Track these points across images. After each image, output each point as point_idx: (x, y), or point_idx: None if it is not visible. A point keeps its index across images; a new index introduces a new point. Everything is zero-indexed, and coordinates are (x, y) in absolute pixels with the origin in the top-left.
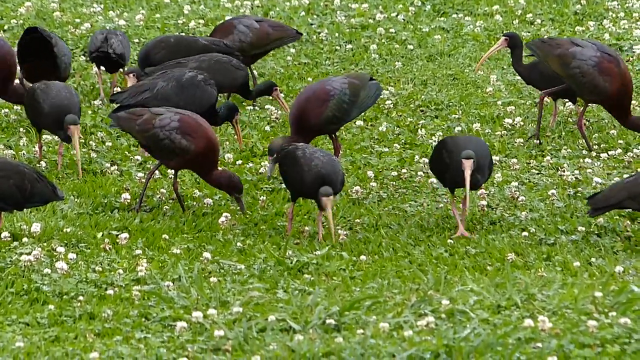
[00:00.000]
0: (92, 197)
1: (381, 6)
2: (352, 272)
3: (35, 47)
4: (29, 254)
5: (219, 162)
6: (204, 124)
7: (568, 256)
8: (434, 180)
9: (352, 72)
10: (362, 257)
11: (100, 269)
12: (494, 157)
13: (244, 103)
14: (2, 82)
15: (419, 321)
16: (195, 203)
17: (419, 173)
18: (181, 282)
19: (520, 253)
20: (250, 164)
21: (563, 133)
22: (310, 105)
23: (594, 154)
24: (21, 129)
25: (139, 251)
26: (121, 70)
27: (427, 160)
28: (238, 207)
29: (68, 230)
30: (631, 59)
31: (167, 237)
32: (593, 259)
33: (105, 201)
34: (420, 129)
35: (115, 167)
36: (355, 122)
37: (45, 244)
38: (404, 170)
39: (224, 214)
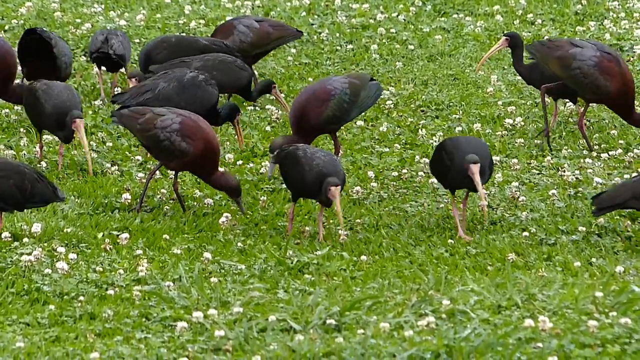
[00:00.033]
0: (93, 197)
1: (382, 6)
2: (352, 272)
3: (35, 48)
4: (29, 254)
5: (219, 164)
6: (205, 127)
7: (569, 256)
8: (434, 180)
9: (352, 72)
10: (363, 257)
11: (101, 269)
12: (494, 157)
13: (244, 103)
14: (2, 82)
15: (420, 321)
16: (195, 203)
17: (420, 173)
18: (182, 282)
19: (521, 253)
20: (251, 164)
21: (564, 133)
22: (311, 105)
23: (594, 154)
24: (22, 129)
25: (139, 251)
26: (122, 70)
27: (427, 160)
28: (238, 208)
29: (69, 230)
30: (632, 59)
31: (167, 237)
32: (594, 259)
33: (106, 201)
34: (421, 129)
35: (116, 167)
36: (355, 122)
37: (45, 244)
38: (404, 171)
39: (225, 214)
